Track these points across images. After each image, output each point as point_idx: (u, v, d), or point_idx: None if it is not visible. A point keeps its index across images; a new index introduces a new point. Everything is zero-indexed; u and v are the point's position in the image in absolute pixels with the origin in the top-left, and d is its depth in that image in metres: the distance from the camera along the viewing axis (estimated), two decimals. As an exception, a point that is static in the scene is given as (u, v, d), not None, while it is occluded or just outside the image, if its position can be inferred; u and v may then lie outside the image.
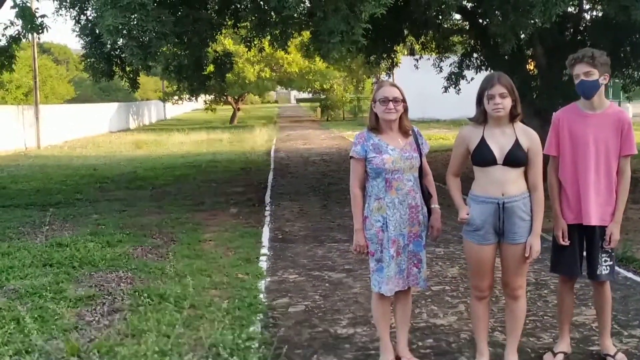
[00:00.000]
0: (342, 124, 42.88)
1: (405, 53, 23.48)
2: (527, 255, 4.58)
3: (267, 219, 11.06)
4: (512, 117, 4.58)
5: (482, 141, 4.57)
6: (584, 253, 5.00)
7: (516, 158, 4.51)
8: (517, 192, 4.54)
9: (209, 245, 9.12)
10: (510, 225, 4.56)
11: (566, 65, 4.91)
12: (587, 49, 4.82)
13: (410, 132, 4.84)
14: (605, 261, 4.89)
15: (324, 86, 46.50)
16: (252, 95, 56.41)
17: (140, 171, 18.59)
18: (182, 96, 41.98)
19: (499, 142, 4.54)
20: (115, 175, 17.76)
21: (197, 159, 21.80)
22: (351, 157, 4.80)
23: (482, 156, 4.56)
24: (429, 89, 20.62)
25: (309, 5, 10.33)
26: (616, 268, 7.34)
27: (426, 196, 4.85)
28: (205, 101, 48.65)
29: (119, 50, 11.04)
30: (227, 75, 14.66)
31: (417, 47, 18.59)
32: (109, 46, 10.78)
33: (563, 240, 4.92)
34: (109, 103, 44.35)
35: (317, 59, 17.97)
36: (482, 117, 4.63)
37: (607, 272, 4.90)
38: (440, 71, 18.26)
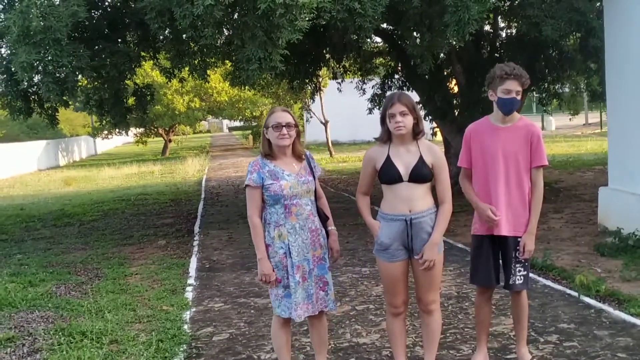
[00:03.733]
0: (274, 150, 42.76)
1: (330, 77, 23.68)
2: (423, 267, 4.62)
3: (195, 248, 11.00)
4: (415, 135, 4.69)
5: (388, 159, 4.66)
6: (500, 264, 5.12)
7: (421, 174, 4.60)
8: (424, 208, 4.63)
9: (134, 279, 9.02)
10: (419, 241, 4.62)
11: (497, 76, 4.88)
12: (520, 68, 4.88)
13: (304, 156, 4.90)
14: (519, 271, 5.00)
15: (254, 113, 46.51)
16: (184, 126, 55.92)
17: (68, 208, 18.24)
18: (111, 130, 41.48)
19: (404, 159, 4.63)
20: (43, 213, 17.39)
21: (126, 193, 21.53)
22: (247, 186, 4.75)
23: (388, 174, 4.65)
24: (359, 111, 20.80)
25: (227, 33, 10.36)
26: (534, 277, 7.60)
27: (322, 219, 4.91)
28: (135, 134, 48.11)
29: (35, 87, 10.88)
30: (148, 107, 14.52)
31: (339, 70, 18.77)
32: (25, 83, 10.59)
33: (496, 216, 4.91)
34: (37, 141, 43.46)
35: (246, 87, 17.96)
36: (386, 136, 4.72)
37: (521, 281, 5.02)
38: (364, 93, 18.51)
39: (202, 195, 19.48)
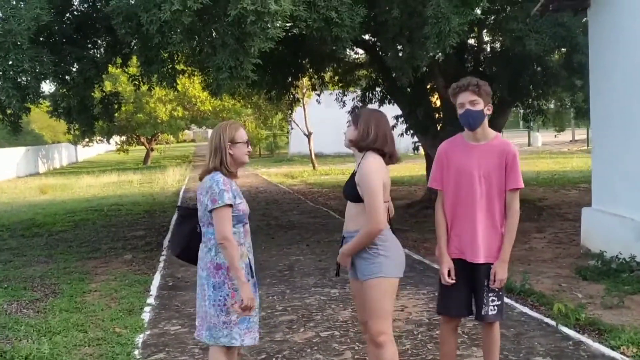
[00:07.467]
0: (258, 160, 42.32)
1: (310, 88, 23.39)
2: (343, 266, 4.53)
3: (161, 264, 10.50)
4: (360, 149, 4.48)
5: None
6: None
7: (346, 192, 4.50)
8: (353, 229, 4.42)
9: (92, 296, 8.55)
10: (354, 260, 4.45)
11: (449, 94, 4.66)
12: (471, 77, 4.56)
13: None
14: (493, 301, 4.58)
15: (238, 124, 46.20)
16: (167, 135, 55.48)
17: (40, 217, 17.71)
18: (92, 138, 40.93)
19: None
20: (13, 222, 16.88)
21: (101, 203, 21.00)
22: (226, 205, 4.29)
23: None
24: (344, 122, 20.49)
25: (197, 40, 9.96)
26: (511, 303, 7.21)
27: None
28: (116, 142, 47.62)
29: (-4, 92, 10.44)
30: (115, 115, 14.11)
31: (316, 82, 18.38)
32: (-14, 89, 10.17)
33: (449, 279, 4.59)
34: (16, 147, 42.78)
35: (225, 96, 17.57)
36: None
37: (494, 312, 4.59)
38: (344, 105, 18.18)
39: (178, 207, 18.98)
